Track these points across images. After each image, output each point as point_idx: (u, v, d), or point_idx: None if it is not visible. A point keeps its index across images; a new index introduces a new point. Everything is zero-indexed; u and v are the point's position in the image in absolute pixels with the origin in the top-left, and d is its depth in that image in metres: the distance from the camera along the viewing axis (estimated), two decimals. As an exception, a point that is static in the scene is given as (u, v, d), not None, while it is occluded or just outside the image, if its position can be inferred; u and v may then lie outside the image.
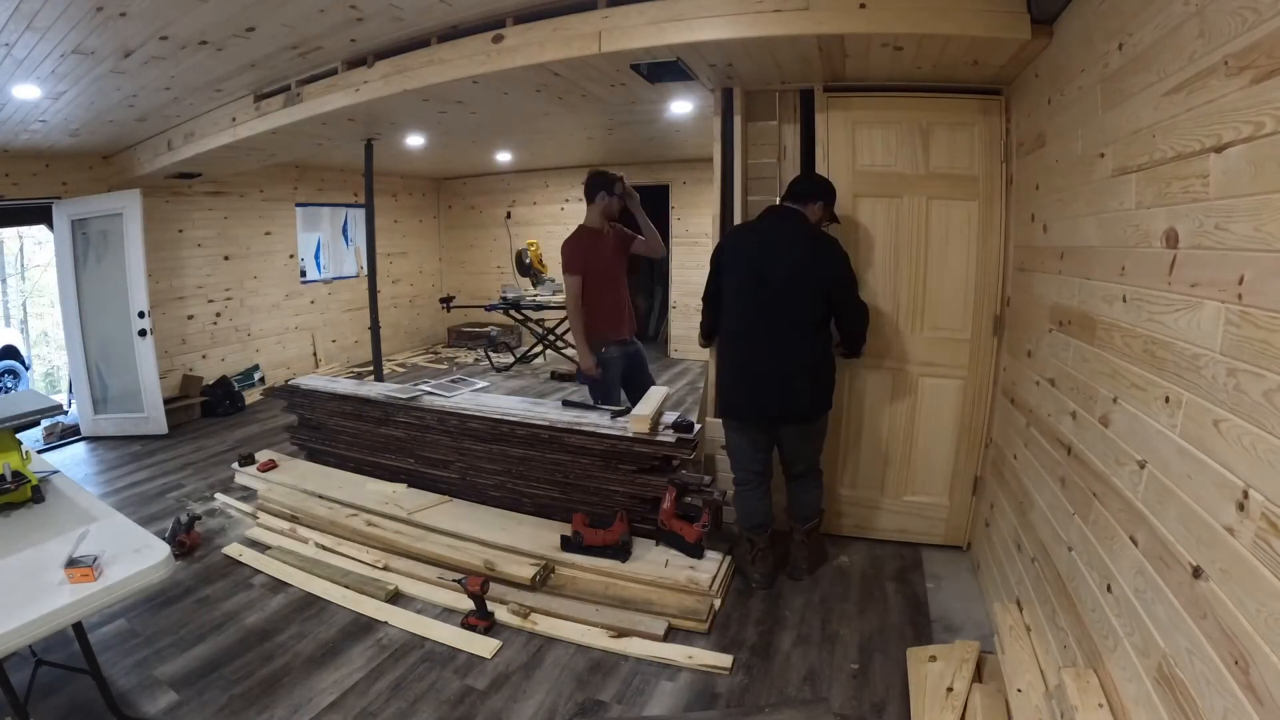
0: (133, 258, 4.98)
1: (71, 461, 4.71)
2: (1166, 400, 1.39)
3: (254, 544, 3.30)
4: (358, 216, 7.88)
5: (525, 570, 2.82)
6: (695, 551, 2.87)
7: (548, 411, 3.40)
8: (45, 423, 4.81)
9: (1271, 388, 1.06)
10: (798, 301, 2.63)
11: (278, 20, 2.83)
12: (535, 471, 3.34)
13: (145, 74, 3.33)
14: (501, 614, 2.64)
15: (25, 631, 1.46)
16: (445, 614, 2.71)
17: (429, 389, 3.89)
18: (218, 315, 6.23)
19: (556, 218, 8.34)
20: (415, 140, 5.48)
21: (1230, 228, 1.20)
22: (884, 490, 3.24)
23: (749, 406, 2.75)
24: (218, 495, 3.93)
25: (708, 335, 3.03)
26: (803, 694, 2.24)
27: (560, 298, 7.16)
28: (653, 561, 2.85)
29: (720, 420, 2.94)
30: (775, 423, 2.75)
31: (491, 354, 7.66)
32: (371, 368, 5.41)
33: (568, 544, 2.94)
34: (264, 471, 3.99)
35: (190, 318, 5.98)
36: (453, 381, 4.09)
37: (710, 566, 2.81)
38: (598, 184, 3.39)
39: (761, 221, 2.78)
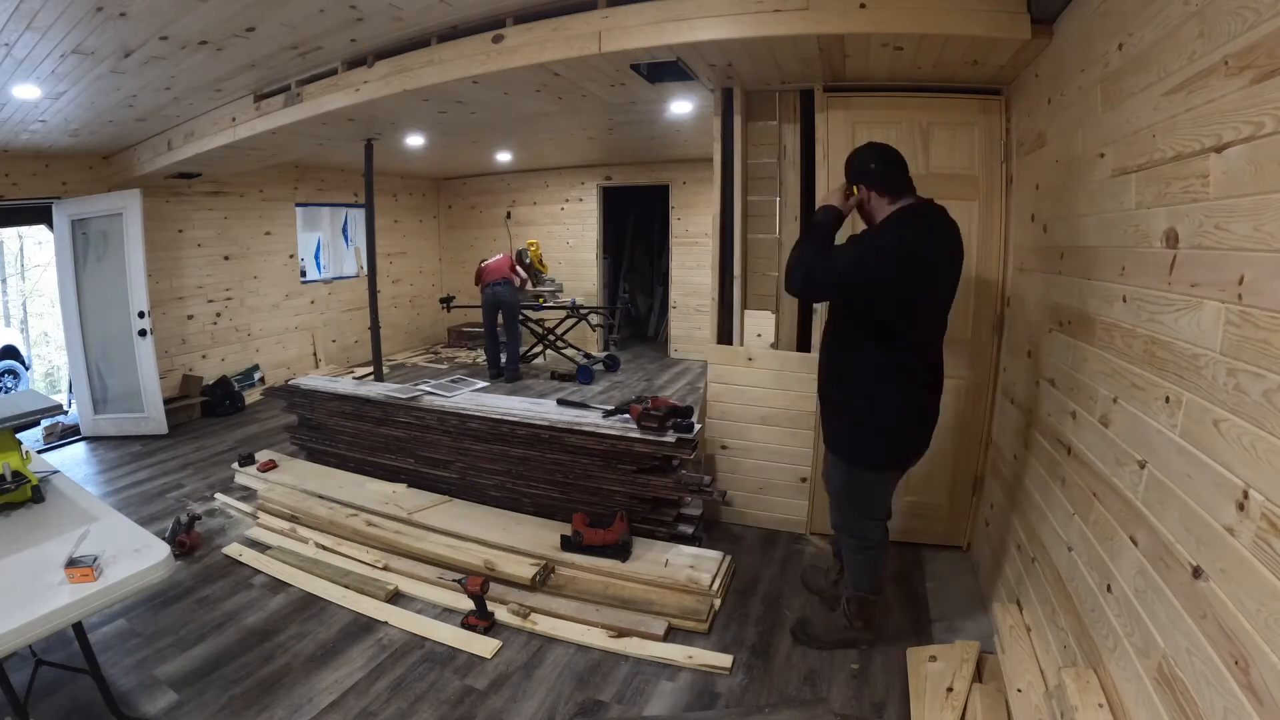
0: (133, 258, 4.98)
1: (71, 461, 4.71)
2: (1166, 400, 1.39)
3: (254, 544, 3.30)
4: (358, 216, 7.87)
5: (525, 570, 2.82)
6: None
7: (548, 411, 3.40)
8: (45, 423, 4.81)
9: (1271, 388, 1.06)
10: (946, 316, 2.21)
11: (278, 20, 2.83)
12: (535, 471, 3.34)
13: (145, 74, 3.33)
14: (501, 614, 2.64)
15: (25, 631, 1.46)
16: (445, 614, 2.71)
17: (429, 389, 3.89)
18: (218, 315, 6.22)
19: (556, 217, 8.34)
20: (415, 140, 5.48)
21: (1230, 228, 1.20)
22: (884, 490, 3.24)
23: (922, 441, 2.23)
24: (218, 495, 3.93)
25: (813, 292, 2.34)
26: (803, 694, 2.24)
27: (562, 297, 7.17)
28: (653, 561, 2.85)
29: (863, 469, 2.25)
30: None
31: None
32: (371, 368, 5.41)
33: (568, 544, 2.94)
34: (264, 472, 3.99)
35: (190, 318, 5.98)
36: (453, 381, 4.09)
37: (710, 566, 2.81)
38: None
39: (930, 219, 2.12)
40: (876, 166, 2.15)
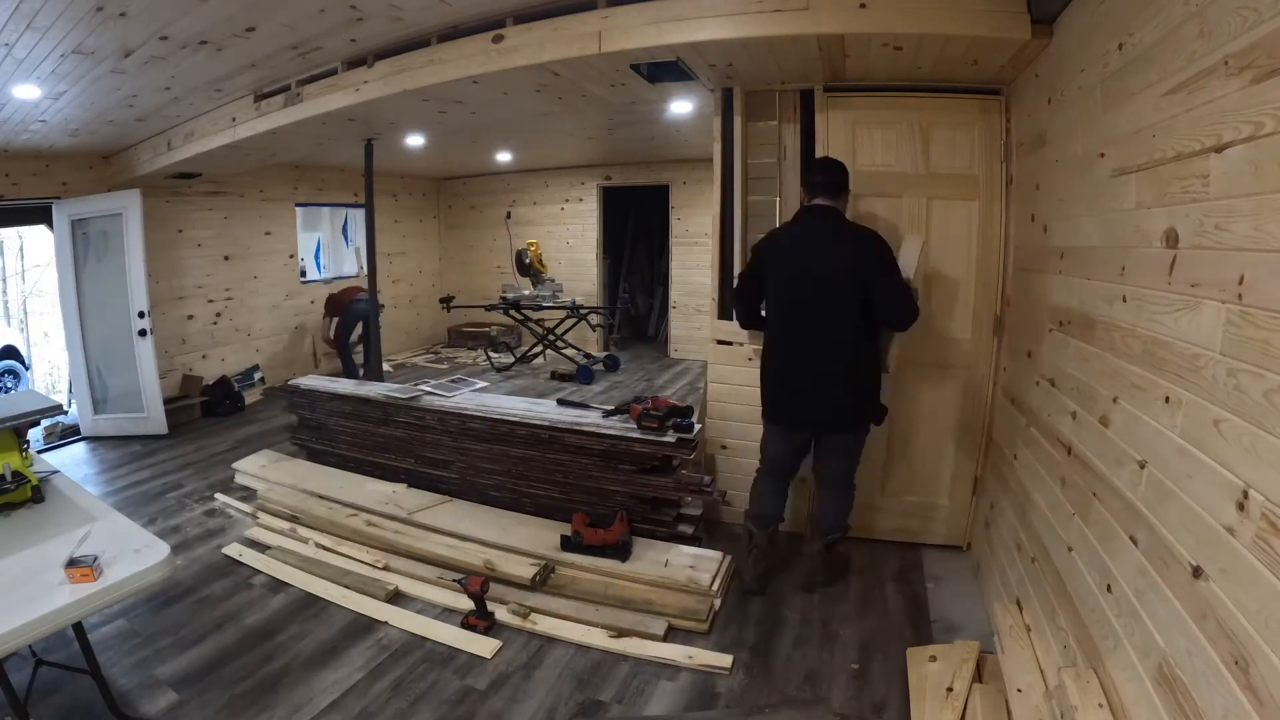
0: (133, 258, 4.98)
1: (71, 461, 4.70)
2: (1166, 400, 1.39)
3: (254, 544, 3.30)
4: (358, 216, 7.87)
5: (525, 570, 2.81)
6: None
7: (548, 411, 3.40)
8: (45, 423, 4.81)
9: (1271, 388, 1.06)
10: (840, 307, 2.51)
11: (278, 20, 2.83)
12: (535, 471, 3.34)
13: (145, 74, 3.33)
14: (501, 614, 2.64)
15: (25, 631, 1.46)
16: (445, 614, 2.71)
17: (429, 389, 3.89)
18: (218, 315, 6.22)
19: (556, 218, 8.34)
20: (415, 140, 5.48)
21: (1230, 228, 1.20)
22: (884, 490, 3.24)
23: (790, 415, 2.71)
24: (218, 495, 3.93)
25: (745, 319, 2.93)
26: (803, 694, 2.24)
27: (562, 297, 7.17)
28: (653, 561, 2.85)
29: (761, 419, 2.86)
30: (815, 430, 2.70)
31: (491, 354, 7.65)
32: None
33: (568, 544, 2.94)
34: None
35: (190, 318, 5.98)
36: (453, 381, 4.09)
37: (710, 566, 2.81)
38: None
39: (801, 224, 2.65)
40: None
